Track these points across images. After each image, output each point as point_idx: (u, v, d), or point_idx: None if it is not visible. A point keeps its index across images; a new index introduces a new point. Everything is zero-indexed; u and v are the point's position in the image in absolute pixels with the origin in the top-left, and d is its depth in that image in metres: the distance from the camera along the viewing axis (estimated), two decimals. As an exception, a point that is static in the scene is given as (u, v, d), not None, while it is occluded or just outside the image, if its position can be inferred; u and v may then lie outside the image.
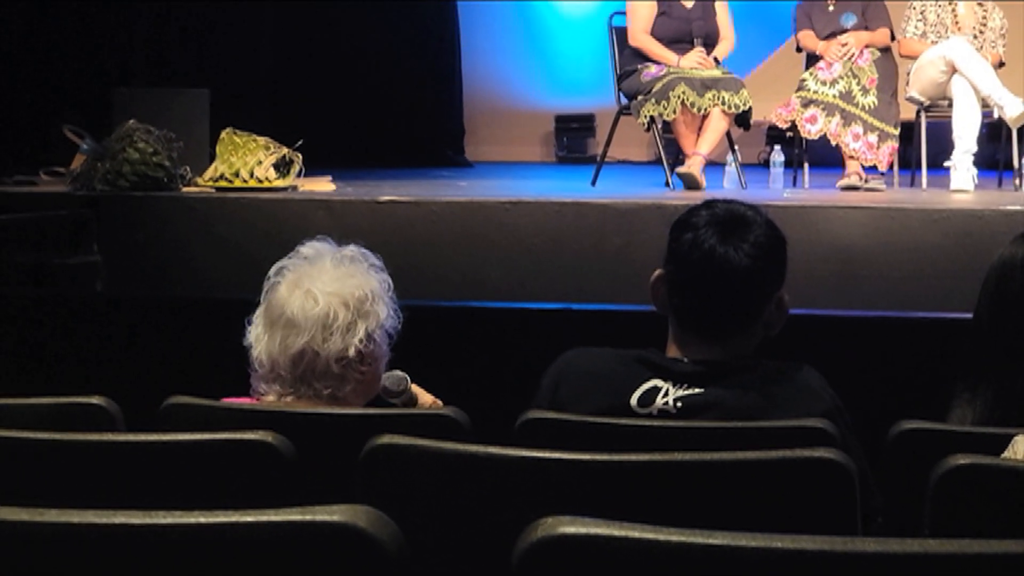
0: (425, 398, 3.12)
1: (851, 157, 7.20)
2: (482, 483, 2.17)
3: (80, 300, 5.43)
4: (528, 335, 4.96)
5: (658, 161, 7.67)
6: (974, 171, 7.06)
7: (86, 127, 7.13)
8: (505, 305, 5.31)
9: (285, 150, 6.66)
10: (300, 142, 6.76)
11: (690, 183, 6.94)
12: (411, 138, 10.01)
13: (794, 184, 7.63)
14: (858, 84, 7.20)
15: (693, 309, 2.68)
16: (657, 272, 2.73)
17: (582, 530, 1.44)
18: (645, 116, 7.07)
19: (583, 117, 10.73)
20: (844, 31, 7.39)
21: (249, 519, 1.49)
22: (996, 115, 7.13)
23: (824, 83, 7.22)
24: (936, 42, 7.34)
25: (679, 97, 6.95)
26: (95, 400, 2.62)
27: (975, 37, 7.36)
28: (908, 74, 7.51)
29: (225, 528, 1.49)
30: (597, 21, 8.62)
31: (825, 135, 7.21)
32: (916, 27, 7.46)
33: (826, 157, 7.78)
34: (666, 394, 2.60)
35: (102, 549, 1.50)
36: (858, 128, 7.17)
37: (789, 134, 7.62)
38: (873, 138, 7.18)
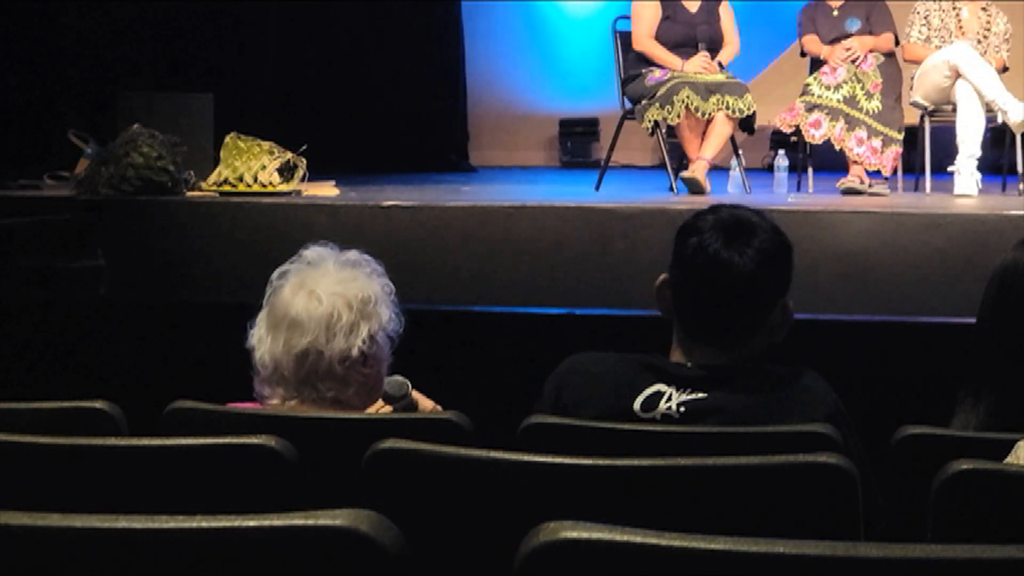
0: (426, 404, 3.13)
1: (855, 162, 7.20)
2: (485, 488, 2.17)
3: (84, 304, 5.44)
4: (531, 340, 4.96)
5: (662, 166, 7.67)
6: (978, 176, 7.06)
7: (90, 131, 7.14)
8: (509, 310, 5.31)
9: (289, 155, 6.66)
10: (304, 147, 6.76)
11: (694, 188, 6.94)
12: (415, 143, 10.01)
13: (798, 189, 7.63)
14: (862, 89, 7.20)
15: (696, 314, 2.68)
16: (662, 276, 2.73)
17: (584, 535, 1.44)
18: (649, 120, 7.07)
19: (587, 121, 10.73)
20: (848, 36, 7.39)
21: (252, 523, 1.49)
22: (1000, 120, 7.12)
23: (828, 88, 7.22)
24: (940, 47, 7.34)
25: (683, 101, 6.95)
26: (98, 404, 2.62)
27: (979, 42, 7.36)
28: (912, 79, 7.51)
29: (228, 533, 1.49)
30: (601, 25, 8.62)
31: (829, 140, 7.21)
32: (920, 32, 7.47)
33: (830, 162, 7.77)
34: (669, 399, 2.60)
35: (105, 554, 1.50)
36: (862, 133, 7.17)
37: (793, 138, 7.62)
38: (877, 143, 7.18)
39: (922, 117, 7.47)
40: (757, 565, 1.41)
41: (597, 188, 7.50)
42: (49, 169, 7.50)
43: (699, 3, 7.42)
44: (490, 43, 10.77)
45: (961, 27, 7.42)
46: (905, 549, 1.41)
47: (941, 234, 5.65)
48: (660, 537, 1.43)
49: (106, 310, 5.35)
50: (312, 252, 2.88)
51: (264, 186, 6.53)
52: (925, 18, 7.47)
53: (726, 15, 7.47)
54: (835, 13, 7.53)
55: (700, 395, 2.59)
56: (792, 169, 7.75)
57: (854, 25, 7.43)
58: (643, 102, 7.16)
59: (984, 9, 7.51)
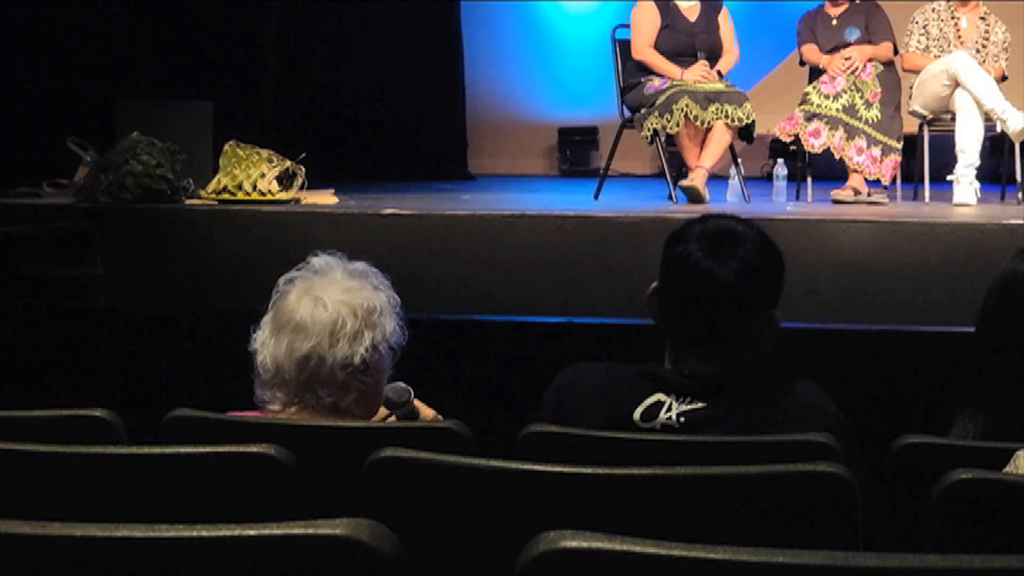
0: (426, 412, 3.13)
1: (854, 170, 7.21)
2: (484, 496, 2.17)
3: (83, 312, 5.44)
4: (530, 348, 4.96)
5: (661, 174, 7.67)
6: (977, 185, 7.07)
7: (90, 139, 7.14)
8: (507, 318, 5.31)
9: (288, 163, 6.67)
10: (303, 155, 6.76)
11: (693, 196, 6.94)
12: (414, 151, 10.02)
13: (797, 197, 7.63)
14: (861, 98, 7.20)
15: (680, 322, 2.70)
16: (653, 285, 2.74)
17: (583, 544, 1.44)
18: (648, 129, 7.08)
19: (586, 130, 10.73)
20: (847, 45, 7.39)
21: (252, 532, 1.49)
22: (999, 129, 7.13)
23: (827, 97, 7.23)
24: (939, 56, 7.34)
25: (682, 110, 6.95)
26: (98, 412, 2.62)
27: (978, 51, 7.37)
28: (911, 88, 7.51)
29: (228, 542, 1.49)
30: (601, 34, 8.62)
31: (828, 148, 7.22)
32: (919, 41, 7.47)
33: (829, 170, 7.77)
34: (669, 408, 2.60)
35: (105, 563, 1.50)
36: (861, 142, 7.17)
37: (792, 147, 7.62)
38: (876, 151, 7.18)
39: (921, 126, 7.48)
40: (756, 575, 1.41)
41: (596, 197, 7.50)
42: (48, 177, 7.50)
43: (698, 12, 7.43)
44: (489, 51, 10.77)
45: (960, 36, 7.42)
46: (904, 559, 1.41)
47: (940, 243, 5.65)
48: (659, 546, 1.43)
49: (105, 318, 5.35)
50: (320, 260, 2.91)
51: (263, 194, 6.53)
52: (924, 27, 7.48)
53: (725, 24, 7.47)
54: (834, 22, 7.54)
55: (699, 405, 2.60)
56: (791, 178, 7.76)
57: (853, 34, 7.44)
58: (642, 111, 7.16)
59: (983, 18, 7.51)
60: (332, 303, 2.81)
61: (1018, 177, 7.26)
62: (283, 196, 6.55)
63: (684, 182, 7.06)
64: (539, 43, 10.91)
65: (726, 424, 2.56)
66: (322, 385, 2.81)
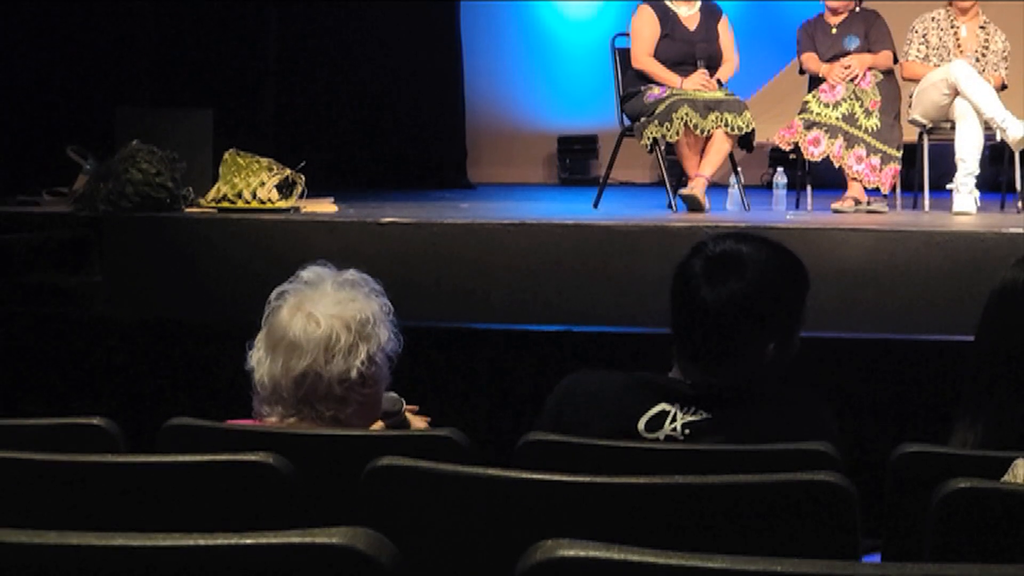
0: (417, 423, 3.13)
1: (854, 179, 7.21)
2: (482, 505, 2.17)
3: (82, 320, 5.44)
4: (530, 357, 4.96)
5: (661, 183, 7.67)
6: (976, 193, 7.06)
7: (89, 147, 7.14)
8: (507, 327, 5.31)
9: (288, 171, 6.67)
10: (303, 163, 6.76)
11: (693, 205, 6.94)
12: (414, 160, 10.03)
13: (797, 206, 7.63)
14: (861, 106, 7.20)
15: (679, 334, 2.73)
16: None
17: (581, 553, 1.44)
18: (648, 138, 7.08)
19: (586, 139, 10.74)
20: (847, 53, 7.39)
21: (249, 541, 1.48)
22: (999, 137, 7.13)
23: (827, 105, 7.23)
24: (938, 65, 7.34)
25: (682, 119, 6.95)
26: (95, 420, 2.62)
27: (977, 60, 7.37)
28: (911, 96, 7.51)
29: (225, 550, 1.48)
30: (601, 42, 8.62)
31: (828, 157, 7.22)
32: (918, 50, 7.47)
33: (829, 179, 7.77)
34: (674, 419, 2.61)
35: (102, 572, 1.50)
36: (861, 150, 7.17)
37: (792, 156, 7.62)
38: (876, 160, 7.18)
39: (921, 135, 7.48)
40: (755, 584, 1.41)
41: (596, 205, 7.50)
42: (48, 185, 7.51)
43: (698, 21, 7.43)
44: (489, 60, 10.78)
45: (959, 45, 7.42)
46: (902, 568, 1.41)
47: (939, 252, 5.65)
48: (658, 556, 1.42)
49: (104, 326, 5.35)
50: (310, 272, 2.87)
51: (263, 203, 6.53)
52: (923, 36, 7.48)
53: (725, 33, 7.47)
54: (834, 31, 7.54)
55: (704, 415, 2.60)
56: (791, 186, 7.76)
57: (853, 43, 7.44)
58: (642, 119, 7.16)
59: (982, 27, 7.51)
60: (324, 318, 2.78)
61: (1018, 186, 7.26)
62: (283, 204, 6.55)
63: (684, 191, 7.06)
64: (539, 51, 10.93)
65: (728, 436, 2.56)
66: (321, 400, 2.79)
